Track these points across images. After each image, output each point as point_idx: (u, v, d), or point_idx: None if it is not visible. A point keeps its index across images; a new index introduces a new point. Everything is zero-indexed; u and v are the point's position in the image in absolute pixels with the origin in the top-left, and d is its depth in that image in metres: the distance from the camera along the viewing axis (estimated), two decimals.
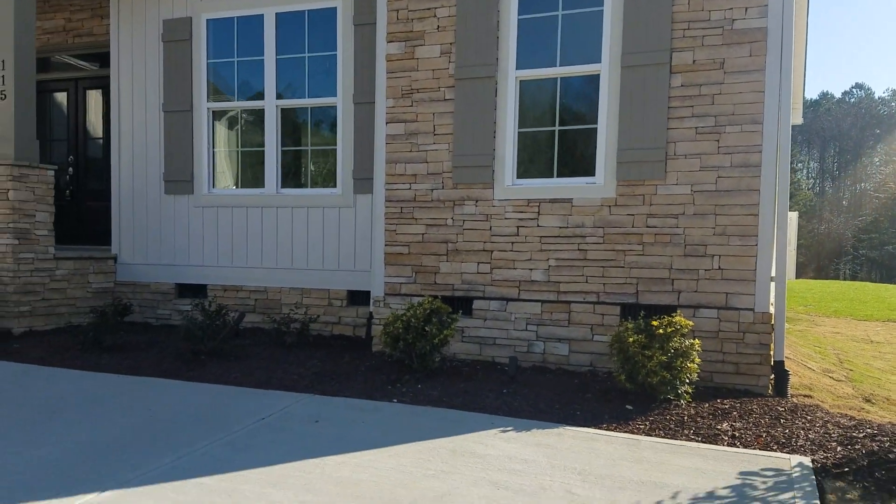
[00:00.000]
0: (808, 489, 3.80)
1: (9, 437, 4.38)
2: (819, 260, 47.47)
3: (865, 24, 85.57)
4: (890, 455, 4.36)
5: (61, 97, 9.75)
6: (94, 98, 9.63)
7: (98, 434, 4.50)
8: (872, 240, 49.00)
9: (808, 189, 58.07)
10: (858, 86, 66.94)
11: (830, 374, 7.29)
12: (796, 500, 3.67)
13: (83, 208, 9.53)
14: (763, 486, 3.84)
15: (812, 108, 63.98)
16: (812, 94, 70.58)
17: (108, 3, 8.77)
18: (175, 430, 4.61)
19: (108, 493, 3.57)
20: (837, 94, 67.71)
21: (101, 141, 9.60)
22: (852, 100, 66.06)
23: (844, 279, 37.96)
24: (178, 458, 4.09)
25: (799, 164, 60.25)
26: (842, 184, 61.38)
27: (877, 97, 65.85)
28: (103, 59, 9.33)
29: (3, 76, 7.37)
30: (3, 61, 7.38)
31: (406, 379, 5.82)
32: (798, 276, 32.17)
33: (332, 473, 3.91)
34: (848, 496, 3.78)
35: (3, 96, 7.38)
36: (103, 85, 9.41)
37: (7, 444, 4.27)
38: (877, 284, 27.86)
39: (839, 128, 61.51)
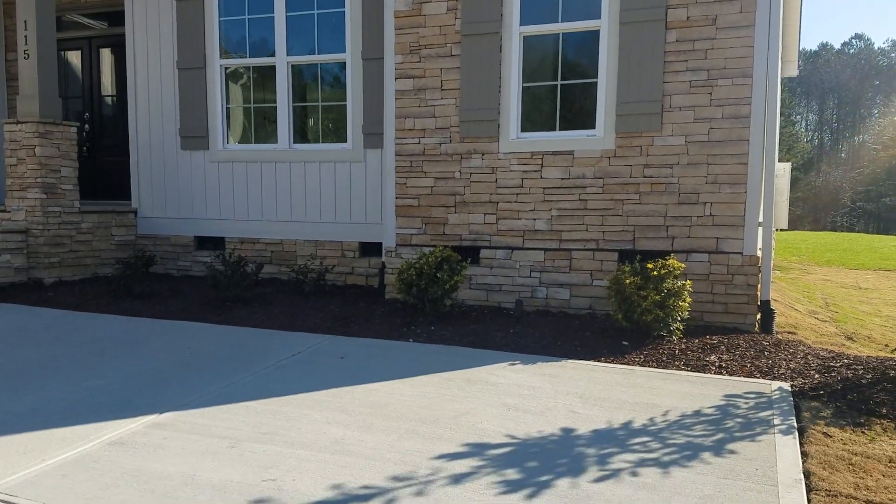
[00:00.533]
0: (786, 408, 4.28)
1: (68, 371, 4.84)
2: (816, 212, 47.88)
3: None
4: (863, 381, 4.84)
5: (74, 56, 9.99)
6: (106, 56, 9.88)
7: (146, 367, 4.96)
8: (870, 192, 49.36)
9: (807, 141, 58.12)
10: (858, 36, 66.31)
11: (816, 316, 7.76)
12: (774, 417, 4.14)
13: (99, 163, 9.86)
14: (745, 406, 4.31)
15: (811, 59, 63.59)
16: (811, 45, 70.09)
17: None
18: (215, 364, 5.07)
19: (167, 415, 4.03)
20: (837, 45, 67.28)
21: (114, 98, 9.88)
22: (852, 51, 65.64)
23: (841, 231, 38.37)
24: (223, 386, 4.56)
25: (797, 117, 60.18)
26: (840, 136, 61.44)
27: (876, 48, 65.45)
28: (114, 18, 9.56)
29: (25, 36, 7.64)
30: (25, 21, 7.64)
31: (419, 322, 6.27)
32: (794, 227, 32.60)
33: (363, 398, 4.37)
34: (822, 414, 4.25)
35: (26, 55, 7.66)
36: (115, 43, 9.66)
37: (68, 376, 4.73)
38: (871, 236, 28.33)
39: (838, 79, 61.28)
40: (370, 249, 8.10)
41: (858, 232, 42.19)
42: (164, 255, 8.74)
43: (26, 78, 7.69)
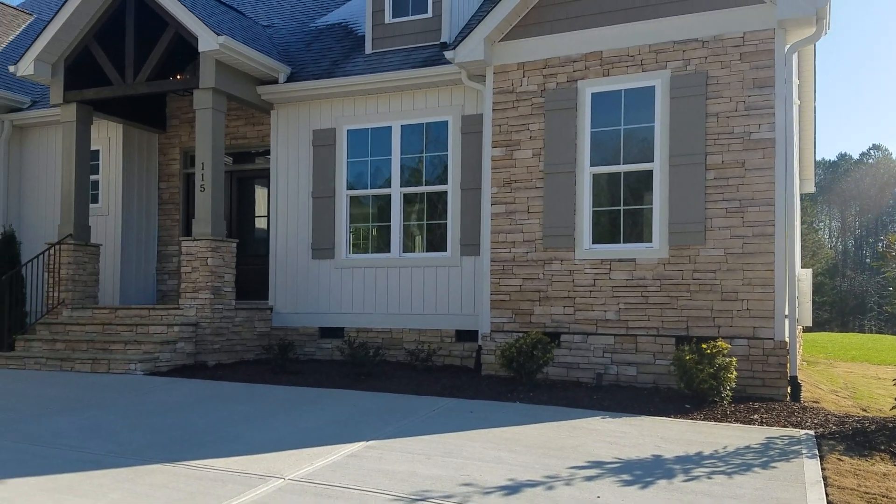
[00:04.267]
0: (811, 444, 5.95)
1: (279, 418, 6.69)
2: (843, 316, 48.85)
3: (884, 88, 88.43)
4: (867, 429, 6.50)
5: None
6: (246, 186, 12.24)
7: (330, 416, 6.78)
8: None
9: (830, 248, 59.70)
10: (876, 147, 69.10)
11: (836, 394, 9.36)
12: (802, 448, 5.81)
13: (242, 270, 11.95)
14: (781, 443, 5.99)
15: (831, 169, 66.11)
16: (831, 155, 72.81)
17: (260, 114, 11.44)
18: (381, 414, 6.87)
19: (371, 442, 5.83)
20: (855, 156, 69.93)
21: (253, 218, 12.16)
22: (870, 161, 68.21)
23: (869, 334, 39.30)
24: (395, 428, 6.35)
25: (820, 224, 62.05)
26: (863, 242, 62.98)
27: (894, 157, 67.95)
28: (251, 157, 11.98)
29: (202, 174, 9.94)
30: (202, 163, 9.96)
31: (518, 390, 8.03)
32: (821, 330, 33.72)
33: (499, 435, 6.13)
34: (836, 448, 5.91)
35: (202, 189, 9.93)
36: (251, 176, 12.06)
37: (283, 420, 6.58)
38: None
39: (858, 188, 63.49)
40: (464, 336, 9.95)
41: (886, 335, 42.98)
42: (294, 343, 10.66)
43: (201, 206, 9.94)
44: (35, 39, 10.65)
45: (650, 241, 8.52)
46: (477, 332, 9.63)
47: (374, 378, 8.80)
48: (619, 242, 8.72)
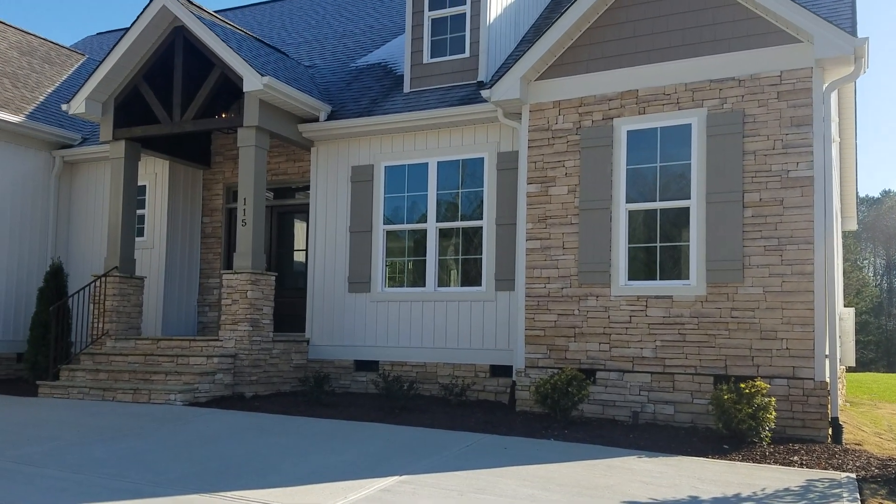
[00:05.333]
0: (852, 488, 5.80)
1: (310, 451, 6.75)
2: (889, 356, 47.36)
3: None
4: None
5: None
6: (286, 220, 12.51)
7: (362, 450, 6.81)
8: None
9: (875, 286, 58.18)
10: None
11: (880, 436, 9.09)
12: (843, 492, 5.67)
13: (279, 303, 12.15)
14: (821, 486, 5.86)
15: (874, 206, 64.74)
16: (874, 191, 71.40)
17: (301, 151, 11.73)
18: (414, 449, 6.89)
19: (405, 476, 5.85)
20: None
21: (292, 252, 12.39)
22: None
23: None
24: (429, 463, 6.36)
25: (864, 262, 60.59)
26: None
27: None
28: (291, 192, 12.27)
29: (244, 209, 10.20)
30: (245, 199, 10.23)
31: (553, 427, 7.98)
32: (865, 370, 32.74)
33: (534, 473, 6.10)
34: (879, 492, 5.76)
35: (244, 223, 10.19)
36: (291, 211, 12.33)
37: (318, 452, 6.65)
38: None
39: None
40: (498, 371, 9.94)
41: None
42: (330, 376, 10.76)
43: (243, 240, 10.18)
44: (87, 79, 11.13)
45: (687, 278, 8.47)
46: (511, 367, 9.62)
47: (409, 412, 8.83)
48: (656, 279, 8.68)
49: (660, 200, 8.69)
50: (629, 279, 8.77)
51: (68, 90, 14.24)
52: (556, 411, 8.17)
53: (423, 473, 5.99)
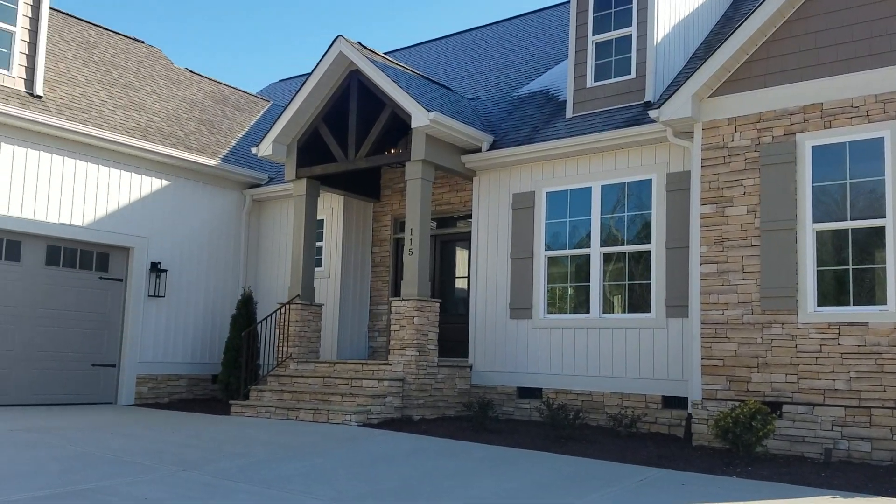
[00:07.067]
0: None
1: (477, 476, 6.81)
2: None
3: None
4: None
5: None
6: (448, 249, 12.86)
7: (529, 479, 6.75)
8: None
9: None
10: None
11: None
12: None
13: (443, 328, 12.47)
14: None
15: None
16: None
17: (463, 181, 12.04)
18: (581, 481, 6.74)
19: None
20: None
21: (454, 279, 12.71)
22: None
23: None
24: (600, 496, 6.16)
25: None
26: None
27: None
28: (453, 221, 12.61)
29: (411, 239, 10.61)
30: (411, 229, 10.65)
31: (735, 463, 7.48)
32: None
33: None
34: None
35: (410, 252, 10.59)
36: (453, 239, 12.67)
37: (481, 479, 6.69)
38: None
39: None
40: (671, 402, 9.50)
41: None
42: (493, 402, 10.82)
43: (409, 268, 10.59)
44: (272, 125, 12.17)
45: (884, 303, 7.69)
46: (685, 398, 9.17)
47: (575, 441, 8.65)
48: (848, 305, 7.95)
49: (851, 220, 7.99)
50: (818, 305, 8.11)
51: (256, 134, 15.64)
52: (738, 447, 7.66)
53: None
